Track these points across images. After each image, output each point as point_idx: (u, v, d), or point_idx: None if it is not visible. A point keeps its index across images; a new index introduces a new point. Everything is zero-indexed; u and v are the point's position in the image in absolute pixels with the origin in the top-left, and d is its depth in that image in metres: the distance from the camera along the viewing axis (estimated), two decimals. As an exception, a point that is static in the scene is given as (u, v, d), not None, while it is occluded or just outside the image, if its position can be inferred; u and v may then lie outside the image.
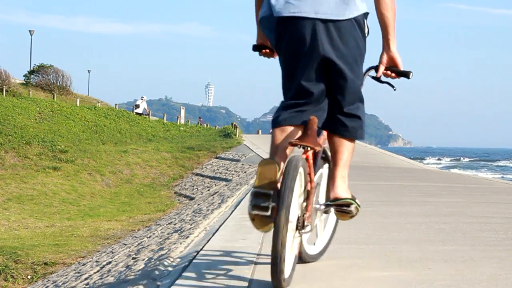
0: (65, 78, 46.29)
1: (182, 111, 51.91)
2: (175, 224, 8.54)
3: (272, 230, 2.92)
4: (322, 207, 3.45)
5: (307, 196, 3.14)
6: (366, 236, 4.92)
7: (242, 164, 20.59)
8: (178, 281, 3.41)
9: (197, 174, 23.06)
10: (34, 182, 21.02)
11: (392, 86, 3.50)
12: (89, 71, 73.57)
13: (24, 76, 47.40)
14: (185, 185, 21.75)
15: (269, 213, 2.92)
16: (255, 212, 2.94)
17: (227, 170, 20.74)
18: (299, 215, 3.09)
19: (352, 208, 3.33)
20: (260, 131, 56.65)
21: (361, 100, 3.33)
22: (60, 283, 7.22)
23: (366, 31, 3.36)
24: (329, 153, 3.44)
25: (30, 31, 52.96)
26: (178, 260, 4.28)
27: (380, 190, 9.75)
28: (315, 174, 3.25)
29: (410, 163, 22.71)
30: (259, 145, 27.05)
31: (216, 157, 25.33)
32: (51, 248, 11.72)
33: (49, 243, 12.44)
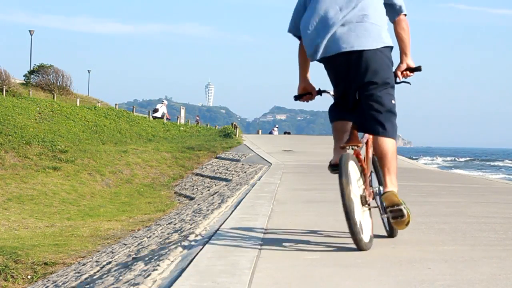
0: (65, 78, 46.31)
1: (182, 111, 51.91)
2: (175, 224, 8.54)
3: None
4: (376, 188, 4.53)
5: (364, 180, 4.30)
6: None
7: (242, 164, 20.59)
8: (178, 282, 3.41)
9: (197, 174, 23.06)
10: (34, 182, 21.02)
11: (408, 83, 4.50)
12: (89, 71, 73.59)
13: (24, 76, 47.41)
14: (185, 185, 21.75)
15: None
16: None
17: (227, 170, 20.74)
18: (361, 194, 4.21)
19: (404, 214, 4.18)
20: (260, 131, 56.59)
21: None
22: (60, 283, 7.22)
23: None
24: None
25: (30, 31, 52.96)
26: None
27: (380, 190, 9.74)
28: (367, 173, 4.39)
29: (410, 163, 22.72)
30: (259, 145, 27.05)
31: (216, 157, 25.33)
32: (51, 248, 11.72)
33: (49, 243, 12.45)
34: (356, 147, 4.27)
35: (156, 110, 41.42)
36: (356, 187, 4.13)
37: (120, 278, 4.72)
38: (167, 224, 9.43)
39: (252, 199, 7.72)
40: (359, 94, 4.27)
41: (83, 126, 31.28)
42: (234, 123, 35.27)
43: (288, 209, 6.83)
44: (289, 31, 4.52)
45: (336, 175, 4.17)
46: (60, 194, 20.37)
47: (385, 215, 4.31)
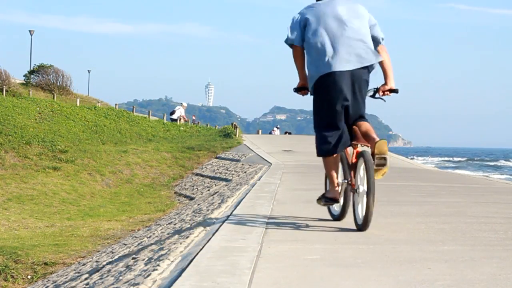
0: (65, 78, 46.31)
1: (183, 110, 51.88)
2: (175, 224, 8.54)
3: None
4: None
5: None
6: (366, 236, 4.92)
7: (242, 164, 20.59)
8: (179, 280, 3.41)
9: (197, 174, 23.06)
10: (34, 182, 21.02)
11: (384, 100, 5.47)
12: (89, 71, 73.64)
13: (24, 76, 47.41)
14: (185, 185, 21.75)
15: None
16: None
17: (227, 170, 20.74)
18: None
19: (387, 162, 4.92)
20: (260, 131, 56.52)
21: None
22: (60, 283, 7.22)
23: None
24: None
25: (30, 31, 52.95)
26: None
27: (380, 190, 9.74)
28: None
29: (410, 163, 22.72)
30: (259, 145, 27.04)
31: (216, 157, 25.33)
32: (51, 248, 11.73)
33: (49, 243, 12.45)
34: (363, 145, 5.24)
35: (173, 112, 41.13)
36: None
37: (120, 278, 4.72)
38: (167, 224, 9.43)
39: (252, 199, 7.72)
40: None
41: (83, 126, 31.28)
42: (234, 123, 35.26)
43: (288, 209, 6.83)
44: (290, 42, 5.27)
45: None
46: (60, 194, 20.37)
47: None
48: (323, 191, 5.54)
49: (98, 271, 6.25)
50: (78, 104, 39.15)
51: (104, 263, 6.99)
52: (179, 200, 19.22)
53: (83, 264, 8.58)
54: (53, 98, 40.43)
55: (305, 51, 5.26)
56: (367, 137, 5.10)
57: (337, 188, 5.28)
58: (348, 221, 5.82)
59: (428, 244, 4.59)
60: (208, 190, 17.78)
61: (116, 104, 46.55)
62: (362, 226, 5.02)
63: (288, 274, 3.56)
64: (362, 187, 5.03)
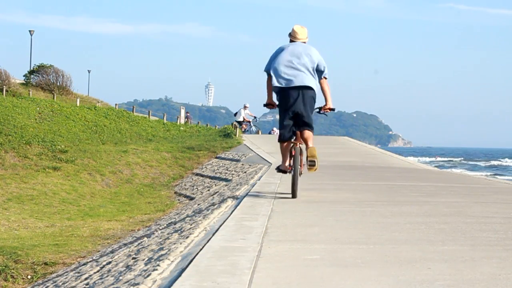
0: (65, 78, 46.33)
1: (182, 111, 51.93)
2: (175, 224, 8.54)
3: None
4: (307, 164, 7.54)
5: (301, 162, 7.79)
6: (366, 236, 4.92)
7: (242, 164, 20.59)
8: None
9: (197, 174, 23.06)
10: (34, 182, 21.02)
11: (326, 115, 8.31)
12: (89, 71, 73.77)
13: (24, 76, 47.42)
14: (185, 185, 21.75)
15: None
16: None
17: (227, 170, 20.75)
18: (301, 170, 7.95)
19: (317, 165, 7.56)
20: (260, 131, 56.52)
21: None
22: (60, 283, 7.22)
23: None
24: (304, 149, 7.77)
25: (30, 31, 52.97)
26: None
27: (380, 190, 9.75)
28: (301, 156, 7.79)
29: (410, 163, 22.72)
30: (259, 145, 27.04)
31: (216, 157, 25.33)
32: (51, 248, 11.73)
33: (49, 243, 12.45)
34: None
35: (237, 114, 37.31)
36: (298, 168, 7.76)
37: (120, 278, 4.72)
38: (167, 224, 9.43)
39: (252, 199, 7.72)
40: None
41: (83, 126, 31.28)
42: (234, 123, 35.24)
43: (288, 209, 6.83)
44: (266, 69, 7.78)
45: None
46: (60, 194, 20.37)
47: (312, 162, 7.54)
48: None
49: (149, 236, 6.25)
50: (78, 104, 39.15)
51: (104, 263, 6.99)
52: (179, 200, 19.22)
53: (83, 264, 8.58)
54: (53, 98, 40.43)
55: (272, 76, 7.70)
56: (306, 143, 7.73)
57: (286, 164, 7.89)
58: (348, 221, 5.82)
59: (428, 244, 4.59)
60: (208, 190, 17.78)
61: (116, 104, 46.56)
62: (292, 194, 7.78)
63: (288, 274, 3.56)
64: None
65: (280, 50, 7.74)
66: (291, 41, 7.90)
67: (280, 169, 8.01)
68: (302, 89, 7.56)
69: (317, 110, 7.92)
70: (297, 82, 7.56)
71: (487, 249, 4.46)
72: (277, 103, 7.86)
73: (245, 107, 38.07)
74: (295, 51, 7.66)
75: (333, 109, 7.91)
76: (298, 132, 7.73)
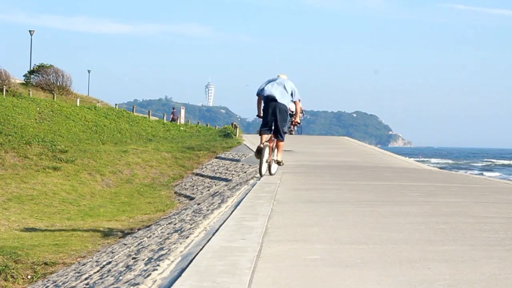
0: (65, 78, 46.32)
1: (182, 111, 51.92)
2: (175, 224, 8.54)
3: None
4: (273, 161, 11.54)
5: (270, 153, 11.27)
6: (366, 236, 4.92)
7: (242, 164, 20.60)
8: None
9: (197, 174, 23.06)
10: (34, 182, 21.02)
11: (296, 128, 12.52)
12: (89, 71, 73.65)
13: (24, 76, 47.41)
14: (185, 185, 21.75)
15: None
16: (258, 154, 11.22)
17: (227, 170, 20.75)
18: (267, 158, 11.26)
19: (281, 165, 11.63)
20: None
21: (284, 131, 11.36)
22: (60, 283, 7.22)
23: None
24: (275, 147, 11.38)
25: (30, 31, 52.94)
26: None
27: (380, 190, 9.75)
28: (272, 152, 11.37)
29: (410, 163, 22.72)
30: (259, 145, 27.03)
31: (216, 157, 25.33)
32: (51, 248, 11.73)
33: (49, 243, 12.45)
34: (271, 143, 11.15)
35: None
36: (266, 156, 11.06)
37: (120, 278, 4.72)
38: (167, 224, 9.43)
39: (252, 199, 7.72)
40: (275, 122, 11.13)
41: (83, 126, 31.29)
42: (234, 123, 35.25)
43: (288, 209, 6.83)
44: (257, 94, 11.16)
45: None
46: (60, 194, 20.38)
47: (274, 164, 11.52)
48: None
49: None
50: (78, 104, 39.16)
51: (104, 263, 6.99)
52: (179, 200, 19.23)
53: (83, 264, 8.58)
54: (53, 98, 40.44)
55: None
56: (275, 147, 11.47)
57: (260, 145, 11.01)
58: (348, 221, 5.82)
59: (428, 244, 4.59)
60: (208, 190, 17.78)
61: (116, 104, 46.56)
62: (269, 173, 11.49)
63: (288, 274, 3.56)
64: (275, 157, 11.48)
65: (268, 81, 11.33)
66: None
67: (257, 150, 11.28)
68: (280, 105, 11.17)
69: (289, 124, 11.57)
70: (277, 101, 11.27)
71: (487, 249, 4.46)
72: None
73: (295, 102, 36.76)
74: (278, 80, 11.30)
75: (299, 123, 11.83)
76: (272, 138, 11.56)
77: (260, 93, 11.04)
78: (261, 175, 11.10)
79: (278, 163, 11.37)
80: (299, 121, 11.46)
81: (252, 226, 5.39)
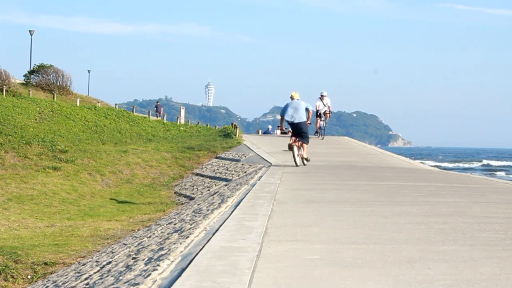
0: (65, 78, 46.30)
1: (182, 111, 51.91)
2: (175, 224, 8.54)
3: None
4: (303, 158, 16.93)
5: (298, 151, 16.48)
6: (366, 236, 4.92)
7: (242, 164, 20.60)
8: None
9: (197, 174, 23.06)
10: (34, 182, 21.02)
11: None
12: (89, 71, 73.65)
13: (24, 76, 47.40)
14: (185, 185, 21.75)
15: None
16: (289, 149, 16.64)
17: (227, 170, 20.75)
18: (298, 154, 16.54)
19: (309, 160, 17.06)
20: (260, 131, 56.46)
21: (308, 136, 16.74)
22: (60, 283, 7.22)
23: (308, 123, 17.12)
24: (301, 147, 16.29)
25: (30, 31, 52.94)
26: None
27: (380, 190, 9.75)
28: (299, 150, 16.60)
29: (410, 163, 22.71)
30: (259, 145, 27.03)
31: (216, 157, 25.33)
32: (51, 248, 11.73)
33: (49, 243, 12.45)
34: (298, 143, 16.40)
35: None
36: (296, 152, 16.26)
37: (120, 278, 4.72)
38: (167, 224, 9.43)
39: (252, 199, 7.72)
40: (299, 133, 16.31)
41: (83, 126, 31.27)
42: (234, 123, 35.22)
43: (288, 209, 6.83)
44: (281, 114, 16.58)
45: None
46: (60, 194, 20.38)
47: (304, 160, 16.68)
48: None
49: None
50: (78, 104, 39.15)
51: (104, 263, 6.99)
52: (179, 200, 19.22)
53: (83, 264, 8.59)
54: (53, 98, 40.43)
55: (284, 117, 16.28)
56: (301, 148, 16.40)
57: (291, 143, 16.09)
58: (348, 221, 5.82)
59: (428, 244, 4.59)
60: (208, 190, 17.79)
61: (116, 104, 46.56)
62: (303, 164, 16.65)
63: (288, 274, 3.56)
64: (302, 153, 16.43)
65: (287, 105, 16.33)
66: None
67: (289, 146, 16.22)
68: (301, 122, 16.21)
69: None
70: (297, 120, 16.16)
71: (487, 249, 4.46)
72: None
73: (322, 97, 28.00)
74: (294, 104, 16.22)
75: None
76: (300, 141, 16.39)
77: (282, 115, 16.28)
78: (296, 165, 16.04)
79: (306, 159, 16.51)
80: (309, 122, 16.96)
81: (252, 226, 5.39)
